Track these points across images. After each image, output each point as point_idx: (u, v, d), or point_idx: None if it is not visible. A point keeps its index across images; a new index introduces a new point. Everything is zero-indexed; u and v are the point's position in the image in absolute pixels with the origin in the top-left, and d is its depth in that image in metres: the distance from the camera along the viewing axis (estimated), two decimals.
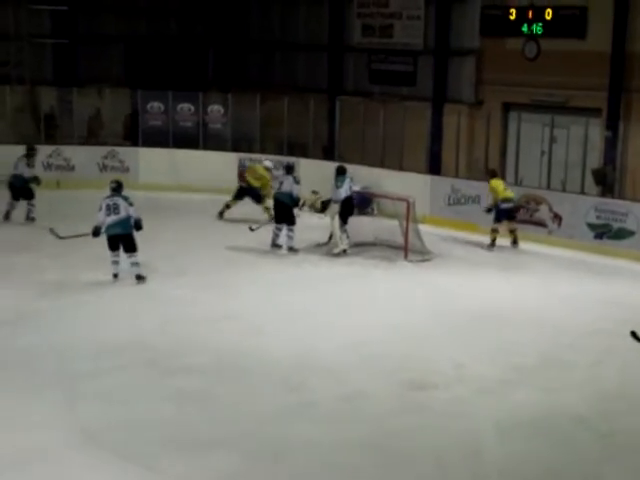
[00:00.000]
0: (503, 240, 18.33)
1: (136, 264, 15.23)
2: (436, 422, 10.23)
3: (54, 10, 26.24)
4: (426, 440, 9.78)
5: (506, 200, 18.20)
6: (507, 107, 22.25)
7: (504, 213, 18.23)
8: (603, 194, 19.55)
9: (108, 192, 15.35)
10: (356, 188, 18.67)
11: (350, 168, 19.13)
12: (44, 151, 21.09)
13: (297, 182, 17.86)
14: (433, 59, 23.55)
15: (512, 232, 18.32)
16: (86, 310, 13.83)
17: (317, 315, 13.85)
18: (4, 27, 25.41)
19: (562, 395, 11.08)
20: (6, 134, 23.68)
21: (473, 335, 13.13)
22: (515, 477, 9.16)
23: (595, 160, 20.29)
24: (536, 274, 16.74)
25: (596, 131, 20.28)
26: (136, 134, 24.71)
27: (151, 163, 23.48)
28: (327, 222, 18.03)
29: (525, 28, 21.25)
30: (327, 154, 23.97)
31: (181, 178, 23.19)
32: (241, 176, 23.18)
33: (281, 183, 17.97)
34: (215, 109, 24.72)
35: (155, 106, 24.49)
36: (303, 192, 18.18)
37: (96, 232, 15.18)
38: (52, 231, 16.85)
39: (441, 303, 14.64)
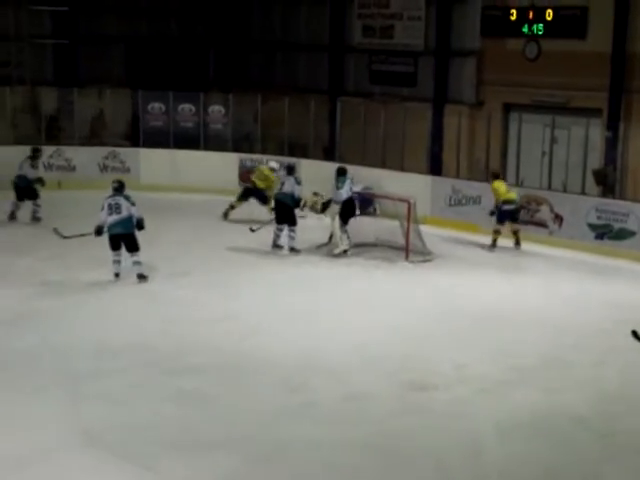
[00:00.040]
0: (506, 241, 18.30)
1: (138, 263, 15.29)
2: (437, 423, 10.24)
3: (54, 11, 26.23)
4: (426, 441, 9.78)
5: (508, 202, 18.17)
6: (508, 108, 22.24)
7: (507, 214, 18.20)
8: (604, 195, 19.54)
9: (110, 192, 15.41)
10: (357, 189, 18.68)
11: (351, 169, 19.13)
12: (45, 151, 21.08)
13: (298, 183, 17.87)
14: (434, 60, 23.54)
15: (515, 233, 18.29)
16: (87, 310, 13.83)
17: (318, 316, 13.85)
18: (4, 28, 25.38)
19: (562, 395, 11.08)
20: (6, 135, 23.69)
21: (474, 336, 13.13)
22: (515, 477, 9.16)
23: (596, 161, 20.29)
24: (537, 275, 16.75)
25: (597, 132, 20.28)
26: (137, 135, 24.72)
27: (152, 164, 23.48)
28: (327, 223, 18.04)
29: (526, 29, 21.23)
30: (328, 155, 23.97)
31: (182, 178, 23.20)
32: (242, 177, 23.26)
33: (282, 184, 17.99)
34: (216, 109, 24.74)
35: (156, 107, 24.51)
36: (304, 193, 18.15)
37: (98, 231, 15.23)
38: (56, 231, 16.89)
39: (442, 304, 14.65)
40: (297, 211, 17.82)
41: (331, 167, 19.38)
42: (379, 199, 19.60)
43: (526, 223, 18.83)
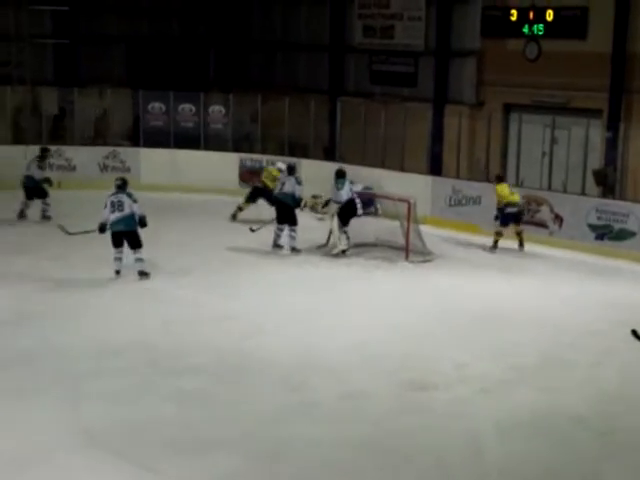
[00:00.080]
0: (509, 242, 18.26)
1: (140, 260, 15.40)
2: (436, 422, 10.24)
3: (55, 10, 26.24)
4: (426, 440, 9.79)
5: (511, 204, 18.11)
6: (508, 108, 22.25)
7: (510, 217, 18.14)
8: (604, 195, 19.55)
9: (113, 190, 15.54)
10: (357, 189, 18.68)
11: (351, 169, 19.18)
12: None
13: (299, 183, 17.88)
14: (434, 60, 23.56)
15: (518, 234, 18.25)
16: (87, 310, 13.84)
17: (318, 315, 13.86)
18: (5, 28, 25.40)
19: (562, 395, 11.09)
20: (7, 135, 23.69)
21: (474, 335, 13.14)
22: (515, 477, 9.17)
23: (596, 161, 20.29)
24: (537, 275, 16.75)
25: (597, 132, 20.28)
26: (137, 134, 24.73)
27: (152, 163, 23.49)
28: (328, 223, 18.03)
29: (526, 29, 21.24)
30: (328, 155, 23.98)
31: (182, 178, 23.21)
32: (242, 177, 23.29)
33: (283, 184, 17.99)
34: (216, 109, 24.75)
35: (156, 106, 24.53)
36: (304, 193, 18.13)
37: (102, 229, 15.37)
38: (62, 228, 16.95)
39: (442, 304, 14.65)
40: (297, 210, 17.83)
41: (331, 167, 19.39)
42: (379, 199, 19.61)
43: (526, 223, 18.83)
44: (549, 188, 20.13)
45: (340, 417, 10.29)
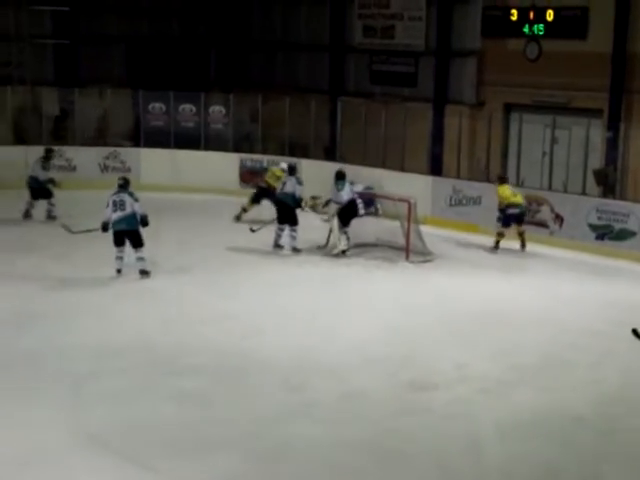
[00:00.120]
0: (510, 243, 18.24)
1: (142, 259, 15.47)
2: (437, 422, 10.24)
3: (55, 10, 26.24)
4: (427, 440, 9.79)
5: (513, 205, 18.06)
6: (508, 108, 22.24)
7: (512, 218, 18.08)
8: (604, 195, 19.54)
9: (115, 189, 15.62)
10: (358, 189, 18.67)
11: (352, 169, 19.18)
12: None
13: (300, 183, 17.88)
14: (434, 60, 23.54)
15: (521, 235, 18.20)
16: (88, 310, 13.83)
17: (318, 315, 13.86)
18: (5, 28, 25.39)
19: (562, 395, 11.09)
20: (7, 135, 23.69)
21: (474, 335, 13.14)
22: (515, 477, 9.16)
23: (596, 161, 20.28)
24: (537, 275, 16.75)
25: (597, 132, 20.27)
26: (138, 134, 24.73)
27: (153, 163, 23.49)
28: (328, 224, 18.03)
29: (526, 29, 21.23)
30: (328, 155, 23.97)
31: (182, 178, 23.21)
32: (242, 177, 23.29)
33: (284, 184, 18.00)
34: (217, 109, 24.75)
35: (157, 107, 24.53)
36: (303, 193, 18.12)
37: (105, 227, 15.46)
38: (65, 227, 16.99)
39: (442, 304, 14.65)
40: (298, 210, 17.83)
41: (332, 167, 19.39)
42: (380, 199, 19.60)
43: (527, 223, 18.77)
44: (549, 188, 20.12)
45: (340, 417, 10.29)
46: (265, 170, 21.54)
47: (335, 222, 17.56)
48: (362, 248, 17.93)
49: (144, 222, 15.42)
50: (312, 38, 26.54)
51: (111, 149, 23.90)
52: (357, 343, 12.61)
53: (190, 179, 23.04)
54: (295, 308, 14.18)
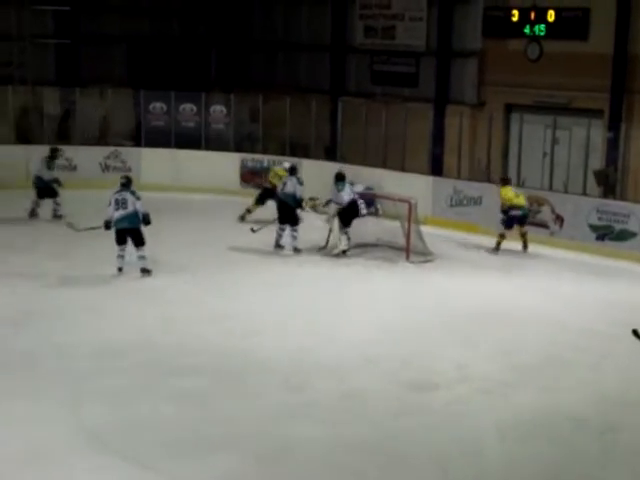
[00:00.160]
0: (512, 244, 18.20)
1: (143, 257, 15.52)
2: (437, 422, 10.25)
3: (56, 10, 26.23)
4: (427, 440, 9.80)
5: (515, 207, 18.02)
6: (509, 108, 22.24)
7: (514, 220, 18.02)
8: (605, 195, 19.54)
9: (118, 187, 15.67)
10: (358, 189, 18.67)
11: (352, 169, 19.18)
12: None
13: (301, 183, 17.88)
14: (435, 60, 23.54)
15: (523, 236, 18.17)
16: (88, 309, 13.83)
17: (319, 315, 13.87)
18: (7, 27, 25.37)
19: (562, 395, 11.10)
20: (9, 134, 23.70)
21: (474, 336, 13.15)
22: (515, 477, 9.17)
23: (597, 161, 20.28)
24: (538, 275, 16.75)
25: (598, 132, 20.26)
26: (139, 134, 24.73)
27: (153, 163, 23.49)
28: (328, 224, 18.03)
29: (527, 29, 21.23)
30: (329, 155, 23.96)
31: (183, 178, 23.21)
32: (243, 177, 23.30)
33: (285, 184, 18.01)
34: (217, 109, 24.75)
35: (157, 106, 24.53)
36: (303, 195, 18.12)
37: (107, 225, 15.55)
38: (70, 225, 17.05)
39: (442, 304, 14.66)
40: (298, 211, 17.84)
41: (332, 167, 19.42)
42: (380, 199, 19.61)
43: (527, 224, 18.76)
44: (550, 188, 20.12)
45: (340, 417, 10.29)
46: (267, 170, 21.54)
47: (335, 222, 17.57)
48: (362, 248, 17.93)
49: (146, 220, 15.47)
50: (313, 38, 26.53)
51: (112, 149, 23.90)
52: (357, 343, 12.61)
53: (191, 179, 23.04)
54: (295, 308, 14.19)
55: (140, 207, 15.42)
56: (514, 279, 16.47)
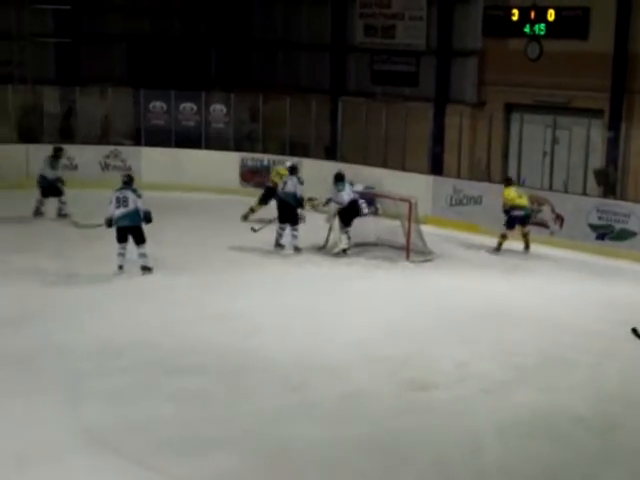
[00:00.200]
0: (514, 244, 18.19)
1: (144, 255, 15.57)
2: (437, 421, 10.25)
3: (57, 9, 26.22)
4: (427, 439, 9.80)
5: (518, 207, 17.99)
6: (509, 108, 22.25)
7: (516, 220, 18.00)
8: (605, 195, 19.55)
9: (120, 185, 15.74)
10: (358, 189, 18.67)
11: (352, 168, 19.18)
12: (47, 150, 21.04)
13: (301, 182, 17.88)
14: (435, 60, 23.55)
15: (524, 236, 18.15)
16: (89, 309, 13.83)
17: (319, 315, 13.87)
18: (7, 26, 25.36)
19: (562, 395, 11.10)
20: (9, 134, 23.70)
21: (474, 335, 13.15)
22: (515, 476, 9.18)
23: (597, 161, 20.29)
24: (538, 275, 16.76)
25: (598, 132, 20.27)
26: (139, 133, 24.73)
27: (153, 162, 23.48)
28: (328, 224, 18.04)
29: (527, 29, 21.25)
30: (329, 154, 23.96)
31: (183, 177, 23.20)
32: (243, 176, 23.30)
33: (285, 183, 18.01)
34: (217, 108, 24.75)
35: (158, 105, 24.53)
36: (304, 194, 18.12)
37: (109, 223, 15.58)
38: (75, 223, 17.03)
39: (443, 303, 14.65)
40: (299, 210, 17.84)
41: (332, 167, 19.40)
42: (380, 199, 19.61)
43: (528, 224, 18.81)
44: (550, 188, 20.12)
45: (340, 416, 10.30)
46: (267, 169, 21.53)
47: (336, 222, 17.58)
48: (363, 247, 17.94)
49: (147, 219, 15.52)
50: (313, 37, 26.52)
51: (112, 148, 23.90)
52: (357, 342, 12.62)
53: (191, 178, 23.03)
54: (296, 307, 14.18)
55: (141, 205, 15.46)
56: (514, 278, 16.48)
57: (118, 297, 14.51)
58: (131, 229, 15.47)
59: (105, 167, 23.56)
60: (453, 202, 20.29)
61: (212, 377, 11.27)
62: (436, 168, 22.30)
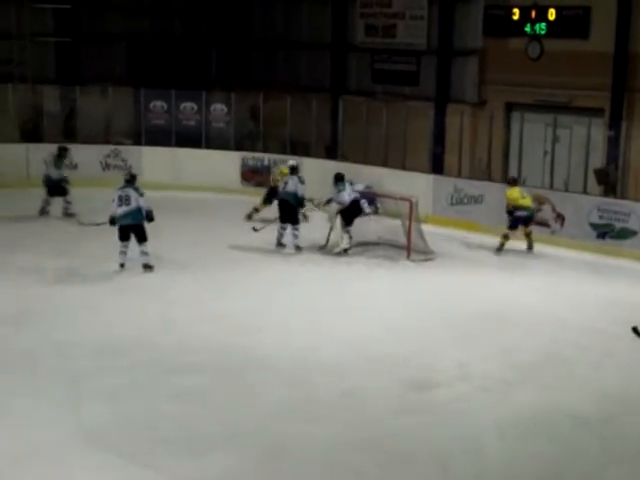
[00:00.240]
0: (515, 244, 18.17)
1: (145, 253, 15.60)
2: (438, 420, 10.24)
3: (57, 8, 26.21)
4: (427, 438, 9.79)
5: (521, 208, 17.94)
6: (510, 107, 22.24)
7: (519, 220, 17.94)
8: (606, 194, 19.54)
9: (122, 184, 15.81)
10: (358, 189, 18.65)
11: (353, 167, 19.18)
12: (48, 149, 21.04)
13: (302, 182, 17.88)
14: (436, 59, 23.54)
15: (527, 235, 18.10)
16: (88, 308, 13.83)
17: (319, 314, 13.86)
18: (7, 26, 25.36)
19: (563, 393, 11.10)
20: (10, 133, 23.69)
21: (475, 334, 13.15)
22: (516, 475, 9.17)
23: (598, 160, 20.28)
24: (538, 274, 16.74)
25: (599, 131, 20.26)
26: (139, 133, 24.72)
27: (154, 162, 23.46)
28: (328, 223, 18.03)
29: (528, 28, 21.23)
30: (330, 153, 23.96)
31: (184, 177, 23.20)
32: (244, 175, 23.29)
33: (286, 183, 18.01)
34: (218, 108, 24.74)
35: (158, 105, 24.52)
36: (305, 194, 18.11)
37: (112, 221, 15.63)
38: (80, 222, 17.02)
39: (443, 302, 14.65)
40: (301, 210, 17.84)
41: (333, 166, 19.41)
42: (381, 198, 19.60)
43: None
44: (551, 187, 20.12)
45: (340, 416, 10.29)
46: (267, 169, 21.51)
47: (337, 221, 17.57)
48: (364, 247, 17.93)
49: (149, 217, 15.56)
50: (314, 36, 26.52)
51: (112, 147, 23.90)
52: (358, 341, 12.61)
53: (191, 177, 23.03)
54: (296, 306, 14.18)
55: (143, 203, 15.49)
56: (514, 277, 16.47)
57: (118, 295, 14.51)
58: (133, 227, 15.50)
59: (106, 166, 23.56)
60: (454, 201, 20.28)
61: (212, 376, 11.26)
62: (437, 167, 22.30)
